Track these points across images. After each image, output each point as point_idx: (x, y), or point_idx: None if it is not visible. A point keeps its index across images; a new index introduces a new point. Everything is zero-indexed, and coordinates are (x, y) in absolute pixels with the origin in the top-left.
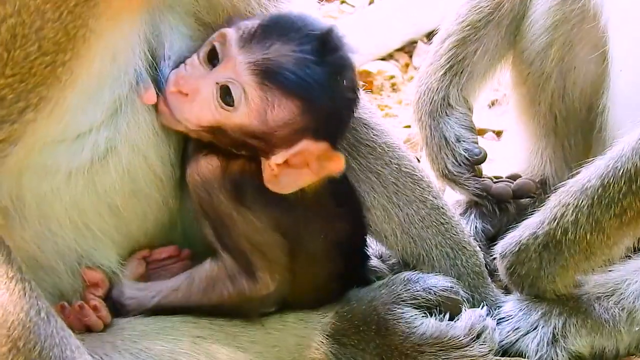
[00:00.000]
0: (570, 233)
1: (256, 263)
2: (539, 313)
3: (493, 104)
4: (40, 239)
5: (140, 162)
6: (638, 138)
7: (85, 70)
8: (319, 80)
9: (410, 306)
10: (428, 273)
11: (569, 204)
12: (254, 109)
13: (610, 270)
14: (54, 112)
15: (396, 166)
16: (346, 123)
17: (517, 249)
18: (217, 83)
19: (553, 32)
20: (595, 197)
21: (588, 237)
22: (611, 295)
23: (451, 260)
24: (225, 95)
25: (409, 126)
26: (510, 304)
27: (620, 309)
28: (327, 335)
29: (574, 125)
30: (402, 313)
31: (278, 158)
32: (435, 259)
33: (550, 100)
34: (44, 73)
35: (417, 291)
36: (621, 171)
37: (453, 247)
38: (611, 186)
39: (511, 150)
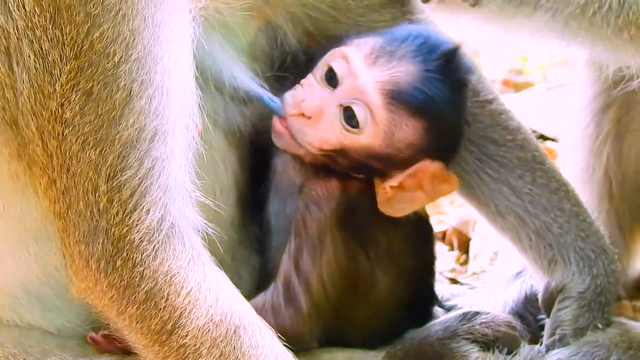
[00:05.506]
0: None
1: (306, 298)
2: None
3: None
4: None
5: None
6: None
7: None
8: (445, 99)
9: (467, 340)
10: (486, 312)
11: None
12: (381, 130)
13: None
14: None
15: (530, 179)
16: (460, 142)
17: None
18: (340, 105)
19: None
20: None
21: None
22: None
23: (591, 261)
24: (349, 117)
25: None
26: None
27: None
28: None
29: (629, 191)
30: (459, 347)
31: (394, 180)
32: (573, 261)
33: (605, 165)
34: None
35: (474, 326)
36: None
37: (594, 250)
38: None
39: None
